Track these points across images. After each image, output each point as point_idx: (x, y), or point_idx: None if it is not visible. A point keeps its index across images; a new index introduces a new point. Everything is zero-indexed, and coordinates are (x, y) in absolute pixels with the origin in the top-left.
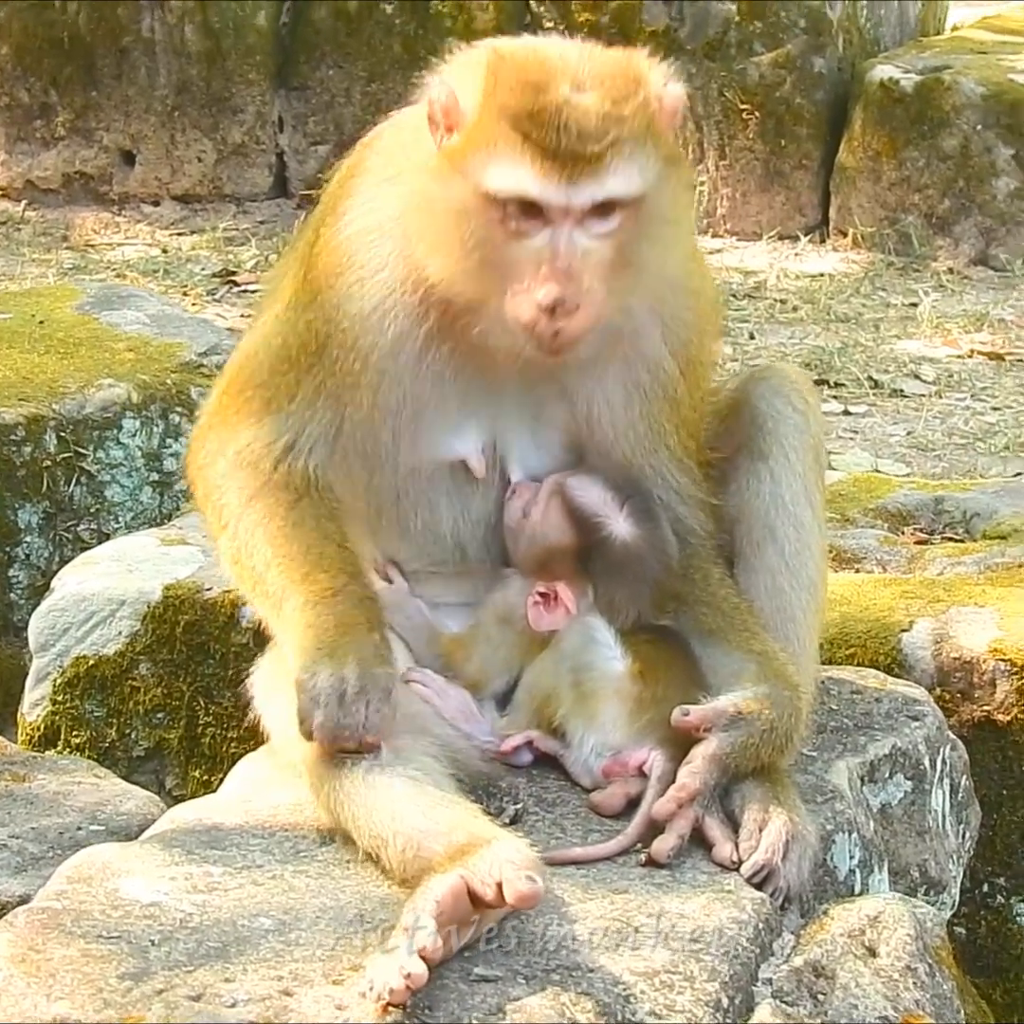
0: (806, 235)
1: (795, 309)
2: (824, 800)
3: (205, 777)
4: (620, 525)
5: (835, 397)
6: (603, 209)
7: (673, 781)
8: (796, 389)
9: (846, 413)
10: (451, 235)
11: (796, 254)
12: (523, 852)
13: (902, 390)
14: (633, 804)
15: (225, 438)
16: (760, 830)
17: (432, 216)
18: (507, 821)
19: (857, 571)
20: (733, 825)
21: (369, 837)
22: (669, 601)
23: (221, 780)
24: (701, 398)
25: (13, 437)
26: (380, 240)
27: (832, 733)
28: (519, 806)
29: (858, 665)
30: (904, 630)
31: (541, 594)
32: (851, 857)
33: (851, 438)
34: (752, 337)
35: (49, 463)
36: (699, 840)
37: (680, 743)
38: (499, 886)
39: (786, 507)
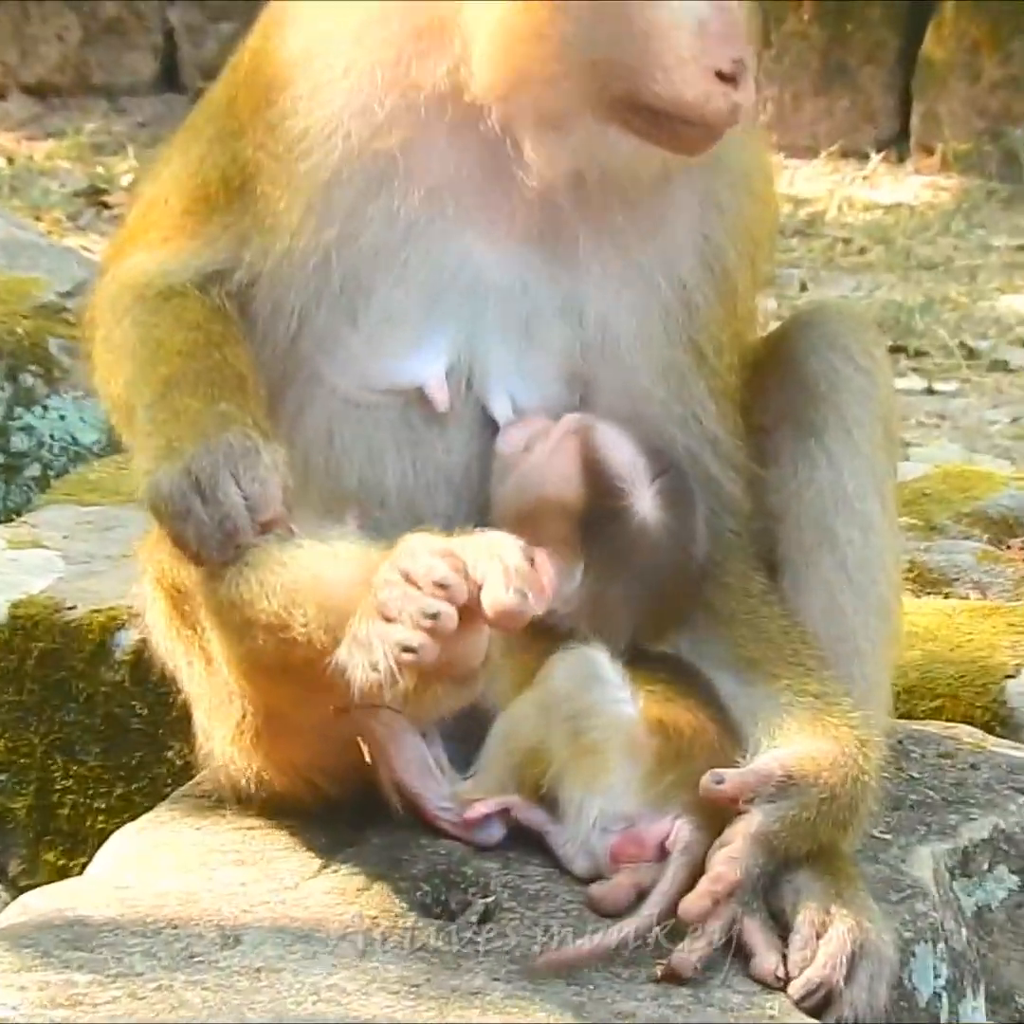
0: (878, 152)
1: (863, 251)
2: (901, 899)
3: (62, 860)
4: (645, 501)
5: (916, 370)
6: None
7: (703, 859)
8: (858, 338)
9: (930, 391)
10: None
11: (864, 177)
12: (517, 551)
13: (1006, 362)
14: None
15: (115, 272)
16: (818, 937)
17: None
18: (474, 920)
19: (946, 596)
20: (781, 928)
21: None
22: (673, 623)
23: (83, 865)
24: (745, 328)
25: None
26: (348, 45)
27: (912, 809)
28: (489, 900)
29: (947, 720)
30: (1009, 675)
31: None
32: (936, 976)
33: (937, 423)
34: (804, 287)
35: None
36: (734, 946)
37: (711, 813)
38: (479, 591)
39: (848, 501)
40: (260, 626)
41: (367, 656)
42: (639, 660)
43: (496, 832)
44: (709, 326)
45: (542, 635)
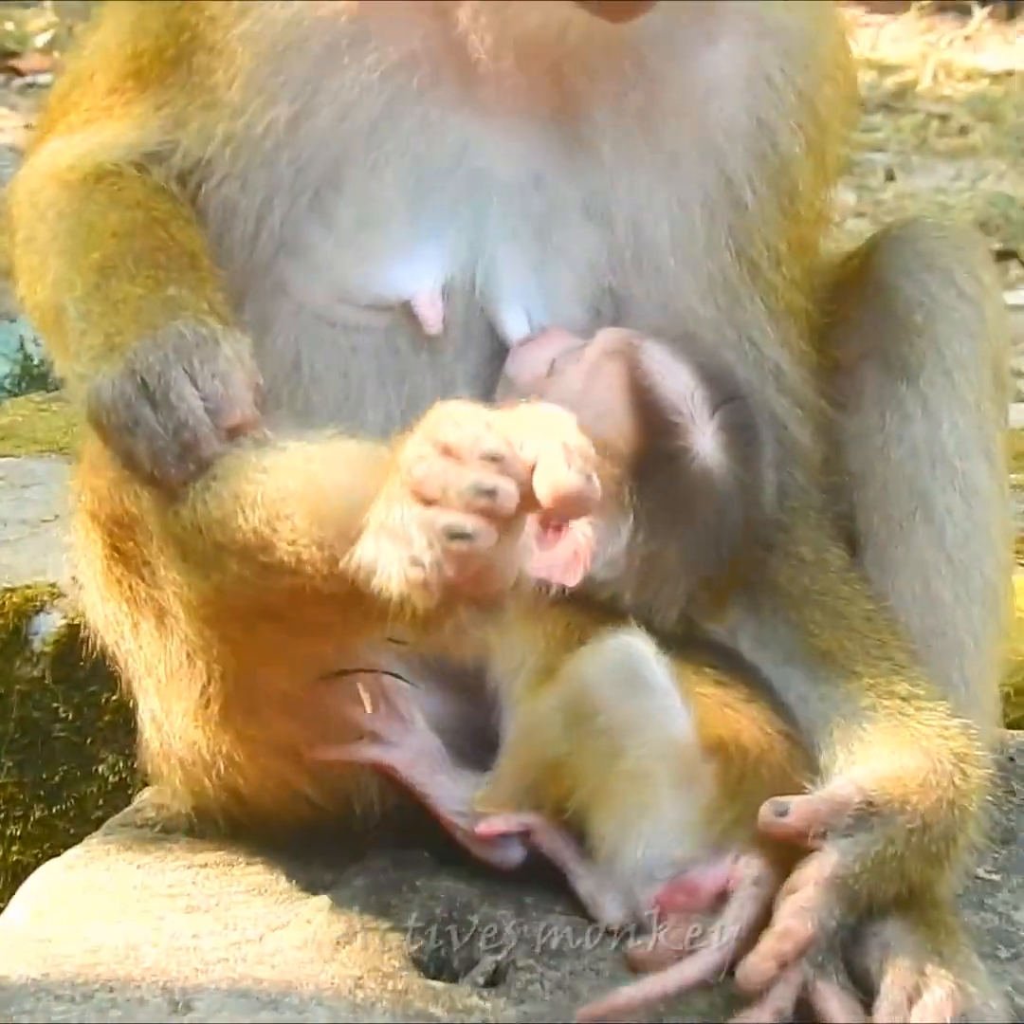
0: (983, 5)
1: (964, 131)
2: (1012, 955)
3: None
4: (705, 439)
5: None
6: None
7: (772, 900)
8: (962, 259)
9: None
10: None
11: (966, 38)
12: (575, 427)
13: None
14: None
15: (34, 161)
16: (910, 1004)
17: None
18: (481, 981)
19: None
20: (864, 993)
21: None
22: (735, 595)
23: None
24: (811, 233)
25: None
26: None
27: None
28: (501, 957)
29: None
30: None
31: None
32: None
33: None
34: (891, 176)
35: None
36: (808, 1013)
37: (781, 852)
38: (531, 471)
39: (948, 461)
40: (234, 551)
41: (404, 549)
42: (689, 650)
43: (514, 853)
44: (764, 230)
45: (578, 606)
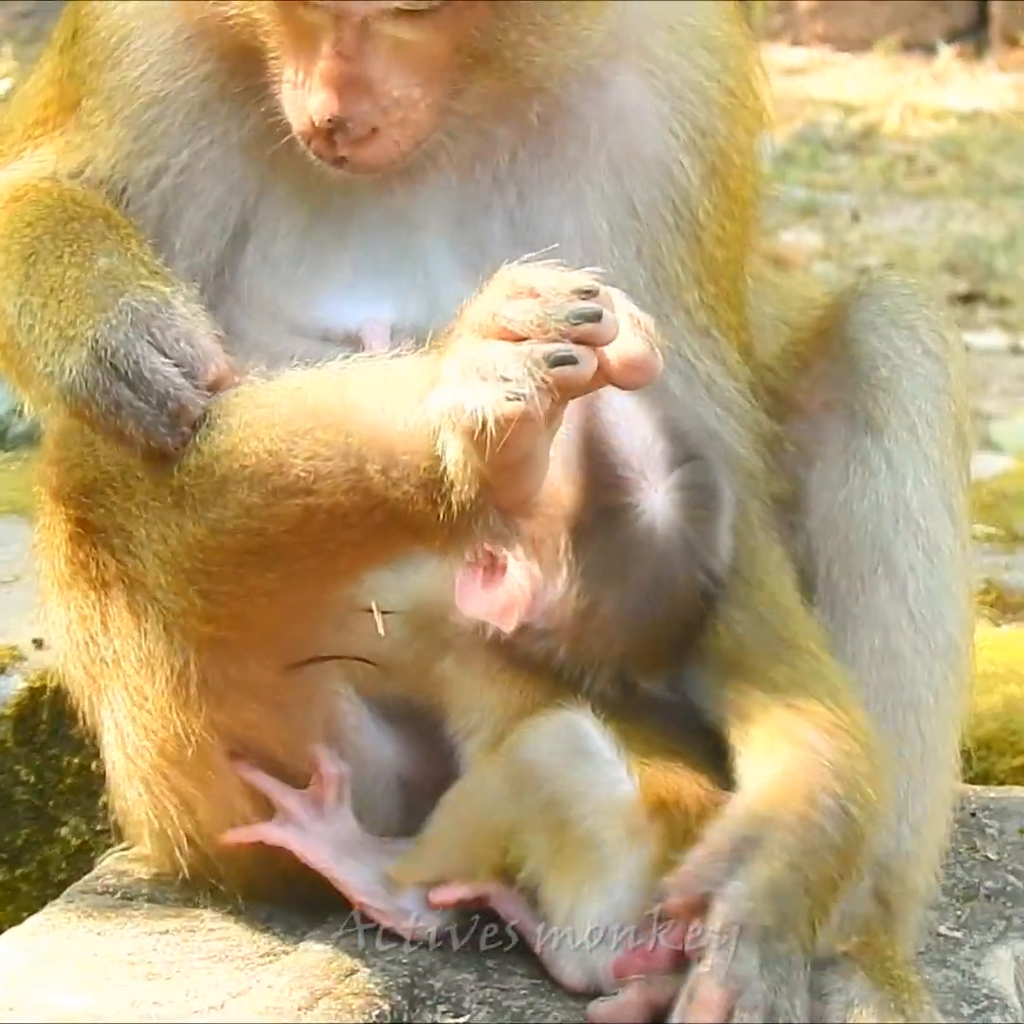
0: (950, 44)
1: (931, 171)
2: (976, 1012)
3: None
4: (656, 496)
5: (998, 322)
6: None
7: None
8: (928, 316)
9: (1016, 350)
10: None
11: (933, 77)
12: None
13: None
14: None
15: None
16: None
17: None
18: None
19: None
20: None
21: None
22: (675, 656)
23: None
24: (741, 238)
25: None
26: None
27: (989, 900)
28: (462, 1021)
29: None
30: None
31: (483, 556)
32: None
33: (1023, 391)
34: (856, 218)
35: None
36: None
37: None
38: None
39: (913, 518)
40: (242, 479)
41: (498, 386)
42: (630, 708)
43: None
44: (671, 253)
45: (513, 663)
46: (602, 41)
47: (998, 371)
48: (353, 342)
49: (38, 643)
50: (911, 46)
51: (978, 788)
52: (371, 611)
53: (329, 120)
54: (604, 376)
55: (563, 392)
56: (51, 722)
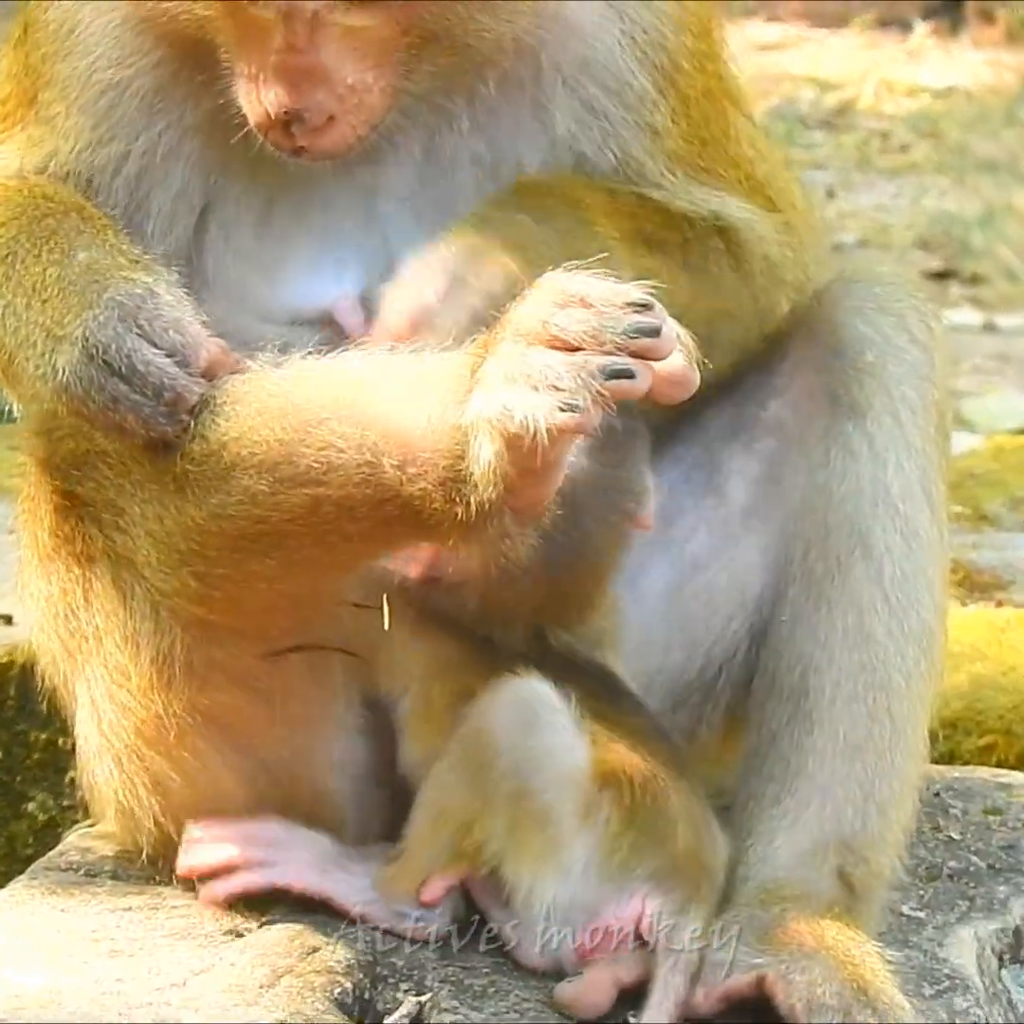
0: (925, 20)
1: (905, 148)
2: (937, 992)
3: None
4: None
5: (972, 300)
6: None
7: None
8: (917, 306)
9: (989, 328)
10: None
11: (908, 54)
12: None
13: None
14: (632, 993)
15: None
16: None
17: None
18: (404, 1022)
19: (999, 604)
20: None
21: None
22: (588, 604)
23: None
24: (704, 139)
25: None
26: None
27: (951, 880)
28: (424, 998)
29: (998, 763)
30: None
31: None
32: None
33: (997, 369)
34: (831, 195)
35: None
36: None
37: (682, 870)
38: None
39: (892, 503)
40: (250, 466)
41: (549, 395)
42: (573, 678)
43: (435, 920)
44: (654, 120)
45: (431, 619)
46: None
47: (971, 349)
48: (324, 321)
49: (7, 619)
50: (886, 23)
51: (942, 768)
52: (379, 605)
53: (286, 112)
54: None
55: (617, 403)
56: (19, 698)
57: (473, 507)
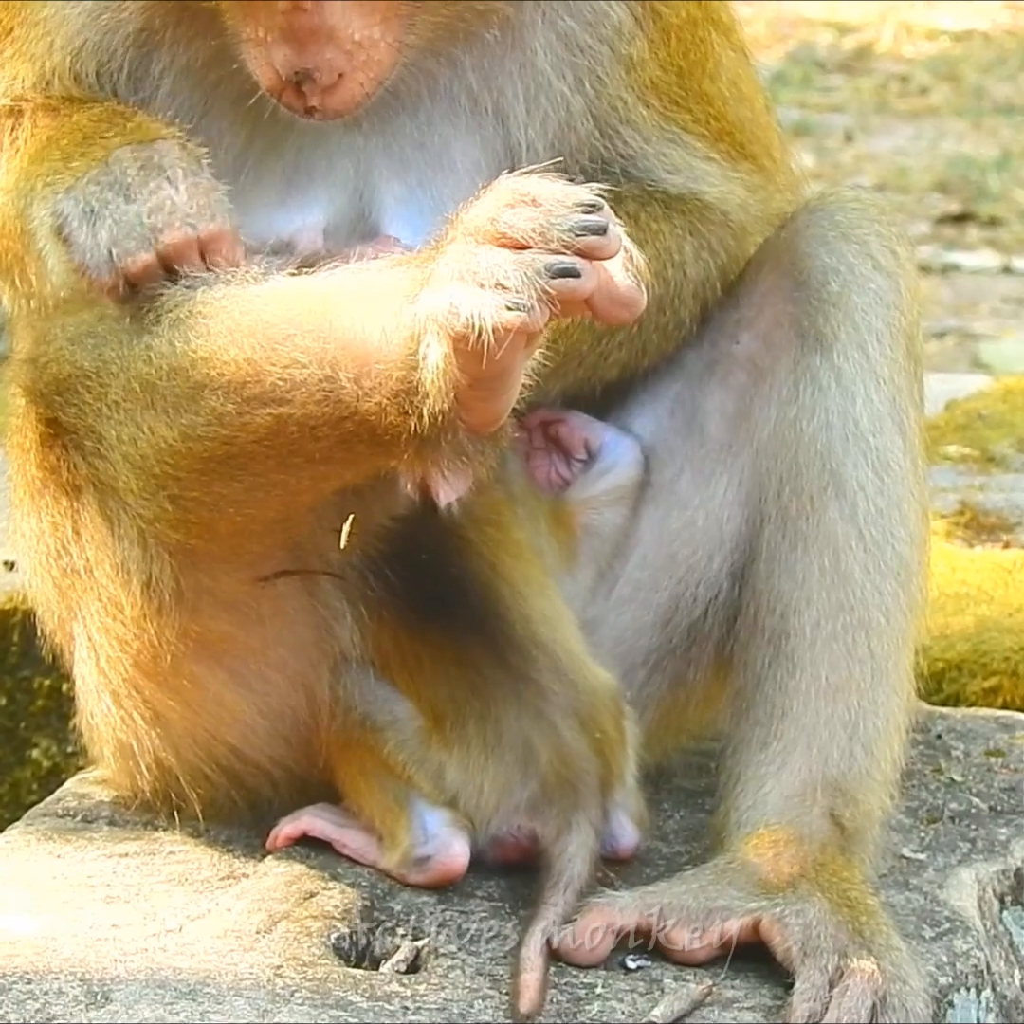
0: None
1: (924, 91)
2: (937, 935)
3: None
4: None
5: (990, 243)
6: None
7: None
8: (879, 231)
9: (1007, 270)
10: None
11: None
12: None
13: None
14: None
15: None
16: (831, 987)
17: None
18: (401, 968)
19: (1006, 546)
20: (788, 974)
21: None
22: None
23: None
24: (686, 68)
25: None
26: None
27: (952, 822)
28: (421, 943)
29: (1004, 705)
30: None
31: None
32: None
33: (1014, 312)
34: (849, 138)
35: None
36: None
37: (556, 790)
38: None
39: (862, 436)
40: (217, 387)
41: (496, 294)
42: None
43: (458, 850)
44: (632, 54)
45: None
46: None
47: (988, 291)
48: (286, 249)
49: (9, 565)
50: None
51: (944, 710)
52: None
53: (296, 72)
54: (588, 306)
55: (562, 306)
56: (22, 644)
57: (426, 420)
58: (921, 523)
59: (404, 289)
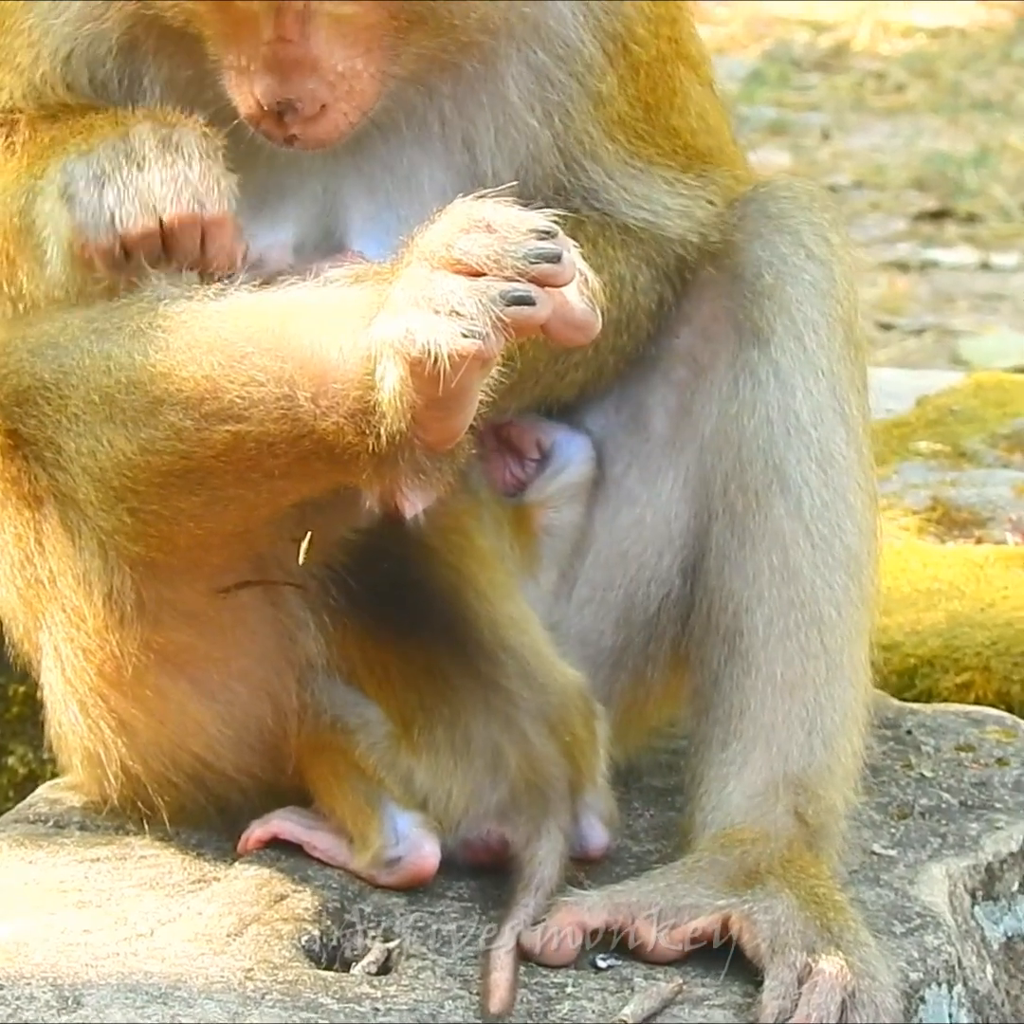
0: None
1: (901, 88)
2: (908, 930)
3: None
4: None
5: (968, 239)
6: None
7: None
8: (811, 219)
9: (985, 267)
10: None
11: None
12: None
13: None
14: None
15: None
16: (799, 983)
17: None
18: (372, 969)
19: (978, 541)
20: (756, 971)
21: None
22: None
23: None
24: (653, 101)
25: None
26: None
27: (923, 818)
28: (392, 945)
29: (976, 701)
30: None
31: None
32: None
33: (992, 308)
34: (826, 136)
35: None
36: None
37: (525, 795)
38: None
39: (804, 429)
40: (177, 402)
41: (452, 321)
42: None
43: (428, 851)
44: (600, 88)
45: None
46: None
47: (967, 287)
48: (257, 265)
49: None
50: None
51: (914, 705)
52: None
53: (278, 102)
54: (543, 330)
55: (516, 332)
56: None
57: (383, 439)
58: (869, 512)
59: (361, 310)
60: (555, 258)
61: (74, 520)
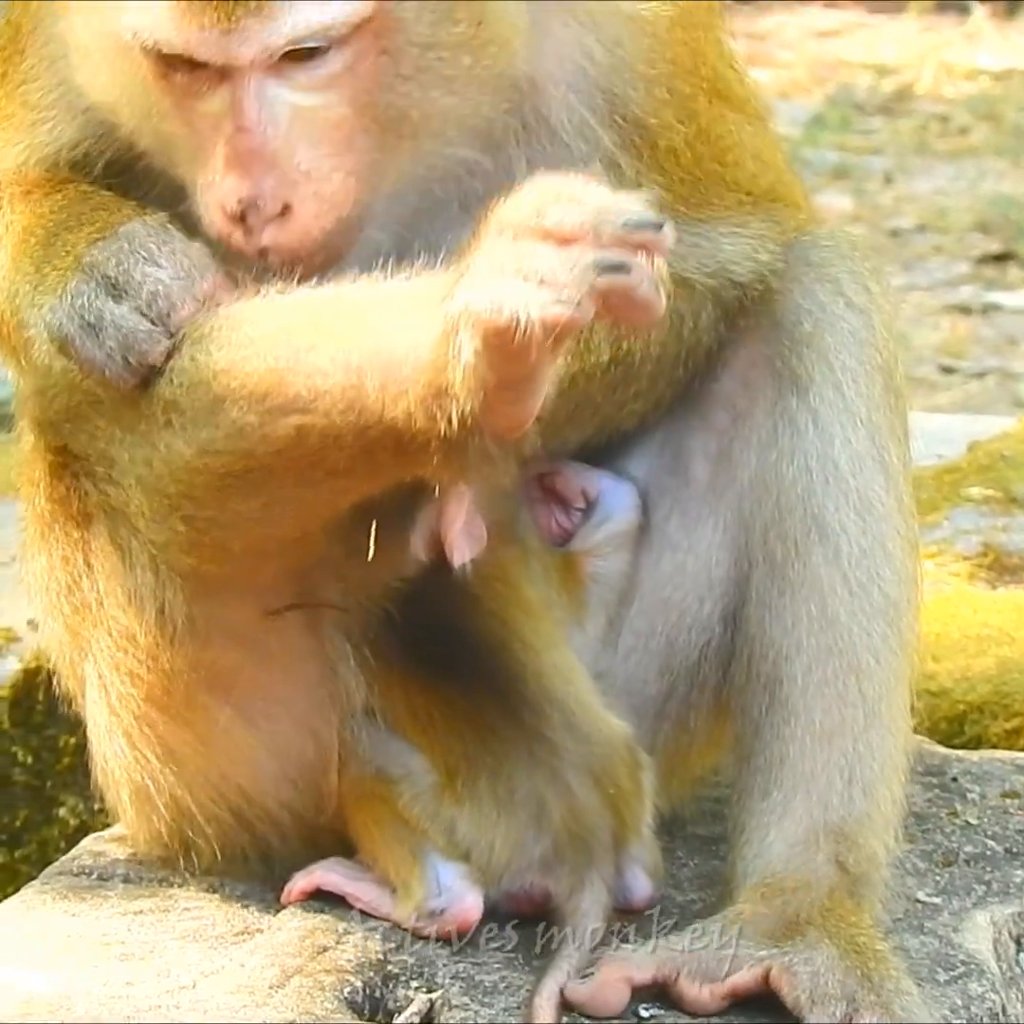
0: (983, 3)
1: (964, 131)
2: (952, 978)
3: None
4: None
5: None
6: (306, 51)
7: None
8: (851, 268)
9: None
10: (111, 84)
11: (966, 37)
12: None
13: None
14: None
15: None
16: None
17: (86, 55)
18: (415, 1021)
19: None
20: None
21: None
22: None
23: None
24: (700, 176)
25: None
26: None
27: (968, 865)
28: (435, 995)
29: None
30: None
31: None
32: None
33: None
34: (889, 180)
35: None
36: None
37: (568, 847)
38: None
39: (843, 478)
40: (239, 398)
41: (540, 290)
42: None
43: (471, 902)
44: (628, 169)
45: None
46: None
47: None
48: None
49: (33, 624)
50: (944, 7)
51: (960, 753)
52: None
53: (239, 201)
54: (605, 308)
55: (611, 304)
56: (47, 702)
57: (454, 422)
58: (909, 560)
59: (436, 291)
60: (657, 226)
61: (125, 536)
